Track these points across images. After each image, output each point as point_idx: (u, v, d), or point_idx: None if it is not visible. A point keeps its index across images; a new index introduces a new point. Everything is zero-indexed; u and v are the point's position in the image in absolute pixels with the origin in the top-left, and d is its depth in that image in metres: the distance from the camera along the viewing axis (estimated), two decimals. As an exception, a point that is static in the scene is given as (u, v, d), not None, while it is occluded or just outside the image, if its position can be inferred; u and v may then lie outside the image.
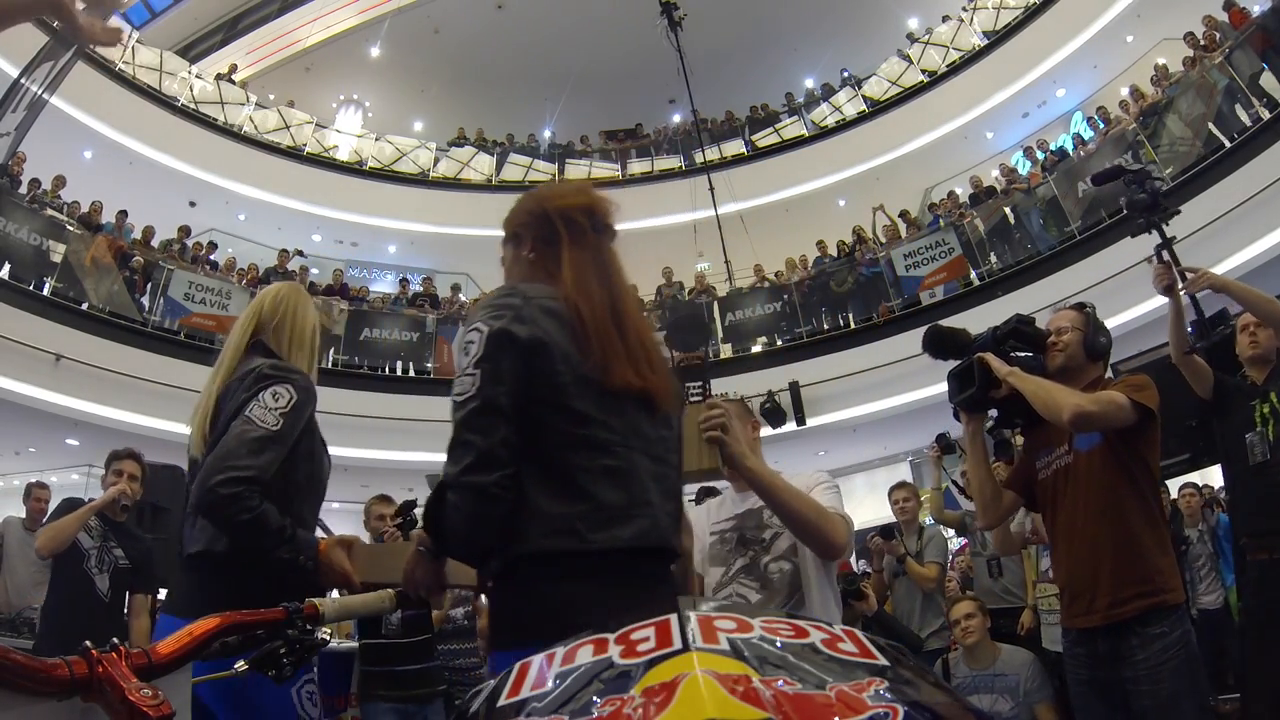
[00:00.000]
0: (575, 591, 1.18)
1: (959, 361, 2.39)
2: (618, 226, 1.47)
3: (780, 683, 0.57)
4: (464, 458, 1.20)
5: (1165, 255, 2.73)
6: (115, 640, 0.82)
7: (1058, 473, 2.26)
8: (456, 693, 3.60)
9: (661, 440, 1.36)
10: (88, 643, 0.79)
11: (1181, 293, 2.74)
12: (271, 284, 2.10)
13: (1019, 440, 2.57)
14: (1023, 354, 2.36)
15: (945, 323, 2.56)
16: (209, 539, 1.68)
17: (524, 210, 1.44)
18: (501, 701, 0.73)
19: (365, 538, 3.63)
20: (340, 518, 6.96)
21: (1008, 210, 10.47)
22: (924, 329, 2.46)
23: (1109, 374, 2.48)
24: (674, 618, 0.71)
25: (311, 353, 1.93)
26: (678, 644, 0.65)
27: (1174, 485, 5.59)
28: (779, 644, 0.65)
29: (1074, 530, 2.20)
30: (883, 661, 0.63)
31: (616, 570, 1.21)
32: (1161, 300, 2.81)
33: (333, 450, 1.96)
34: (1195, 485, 5.66)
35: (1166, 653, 2.01)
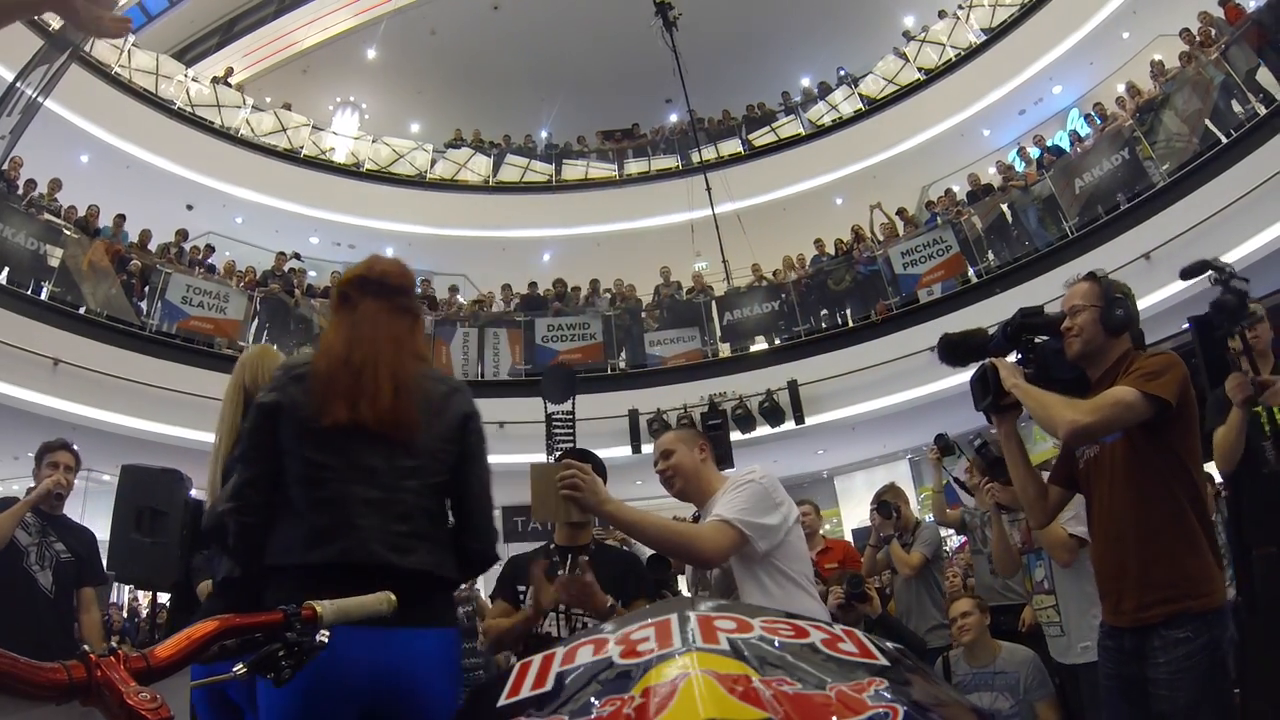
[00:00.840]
0: (294, 595, 1.41)
1: (979, 364, 2.30)
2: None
3: (780, 682, 0.57)
4: (229, 491, 1.63)
5: (1245, 364, 2.49)
6: (112, 645, 0.82)
7: (1089, 463, 2.16)
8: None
9: (395, 470, 1.62)
10: (85, 647, 0.79)
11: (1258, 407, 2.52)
12: (243, 354, 2.37)
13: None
14: (1043, 338, 2.28)
15: (946, 320, 2.53)
16: (231, 565, 2.02)
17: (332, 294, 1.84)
18: (501, 701, 0.72)
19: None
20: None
21: (1005, 207, 10.46)
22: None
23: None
24: (674, 617, 0.70)
25: None
26: (678, 644, 0.64)
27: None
28: (778, 644, 0.65)
29: (1103, 526, 2.12)
30: (882, 662, 0.63)
31: (327, 580, 1.45)
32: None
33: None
34: (1211, 475, 5.57)
35: (1190, 659, 1.91)
